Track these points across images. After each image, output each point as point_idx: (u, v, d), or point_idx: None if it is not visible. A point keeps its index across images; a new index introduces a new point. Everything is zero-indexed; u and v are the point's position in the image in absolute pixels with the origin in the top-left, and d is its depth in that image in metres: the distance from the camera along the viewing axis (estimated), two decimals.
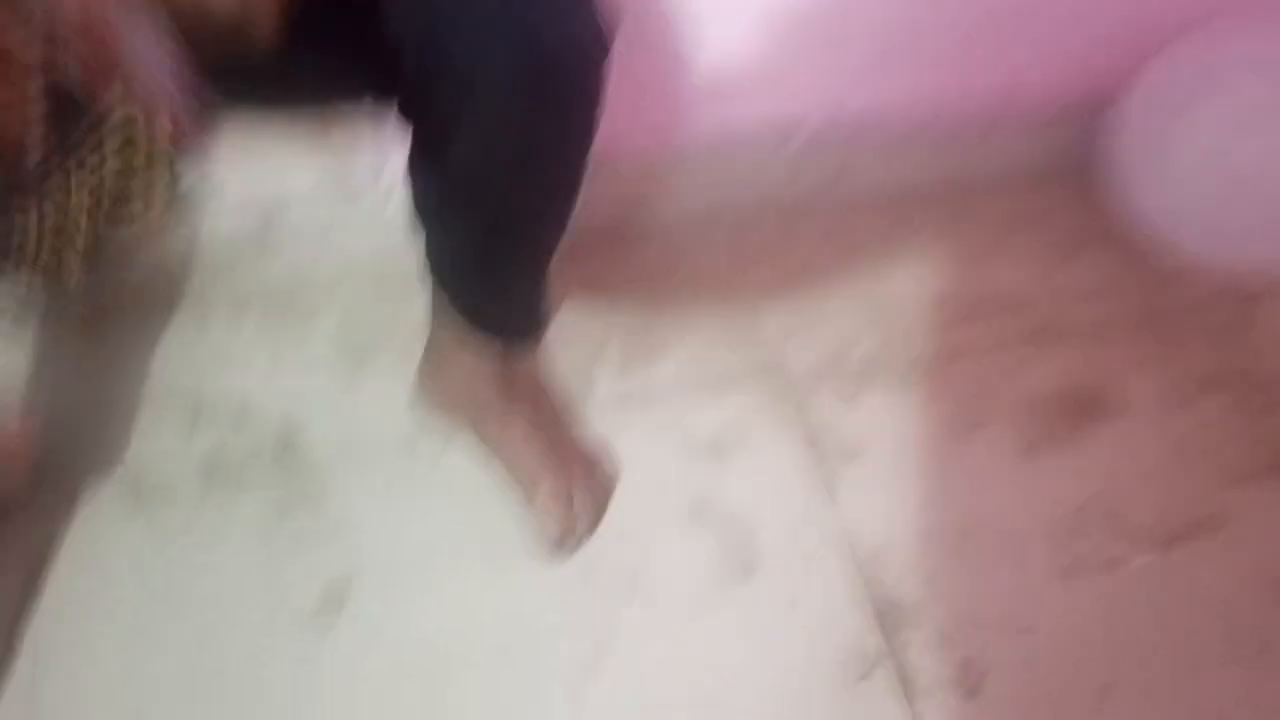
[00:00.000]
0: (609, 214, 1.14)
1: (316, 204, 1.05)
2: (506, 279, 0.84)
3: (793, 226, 1.15)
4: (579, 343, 1.05)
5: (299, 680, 0.83)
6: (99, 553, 0.89)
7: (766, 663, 0.85)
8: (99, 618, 0.86)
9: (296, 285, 1.07)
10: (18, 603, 0.85)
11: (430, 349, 0.94)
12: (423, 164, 0.77)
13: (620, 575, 0.89)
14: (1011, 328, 1.08)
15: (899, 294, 1.10)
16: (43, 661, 0.83)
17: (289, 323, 1.05)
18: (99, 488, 0.93)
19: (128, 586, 0.88)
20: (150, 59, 0.50)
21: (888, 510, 0.93)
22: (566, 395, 1.00)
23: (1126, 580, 0.92)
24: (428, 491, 0.93)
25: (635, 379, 1.02)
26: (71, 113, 0.51)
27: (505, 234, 0.78)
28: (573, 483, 0.91)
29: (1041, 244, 1.15)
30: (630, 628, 0.86)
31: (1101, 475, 0.98)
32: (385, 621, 0.86)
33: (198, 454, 0.96)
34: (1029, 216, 1.18)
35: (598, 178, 1.13)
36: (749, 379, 1.02)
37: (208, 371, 1.01)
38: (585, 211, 1.15)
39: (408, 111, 0.72)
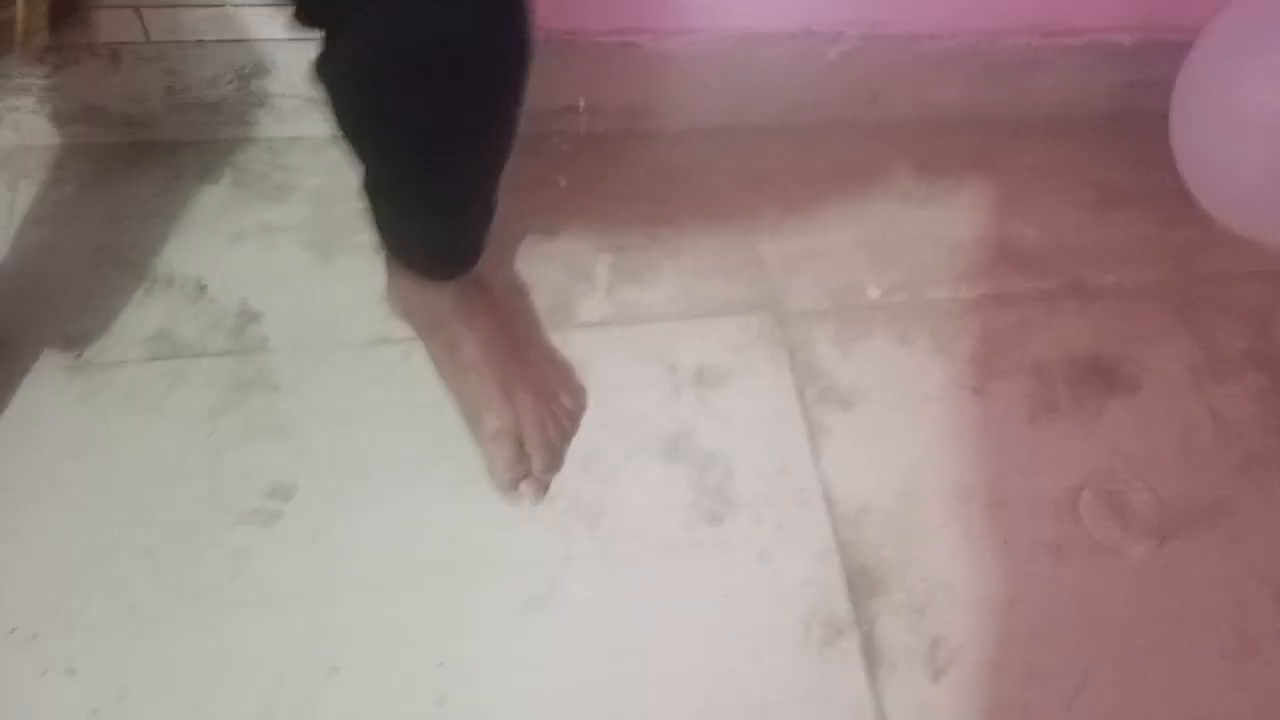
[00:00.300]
0: (613, 116, 1.06)
1: (300, 77, 0.96)
2: (423, 219, 0.75)
3: (810, 151, 1.07)
4: (564, 256, 0.97)
5: (231, 574, 0.79)
6: (34, 418, 0.84)
7: (726, 615, 0.80)
8: (28, 490, 0.81)
9: (272, 160, 0.99)
10: None
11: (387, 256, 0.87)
12: (326, 73, 0.64)
13: (583, 507, 0.84)
14: (1031, 285, 1.00)
15: (914, 237, 1.02)
16: None
17: (260, 199, 0.97)
18: (41, 350, 0.87)
19: (60, 455, 0.82)
20: None
21: (873, 469, 0.87)
22: (540, 315, 0.93)
23: (1119, 566, 0.86)
24: (388, 397, 0.87)
25: (622, 300, 0.95)
26: None
27: (419, 168, 0.68)
28: (524, 421, 0.83)
29: (1075, 196, 1.07)
30: (587, 563, 0.81)
31: (1106, 453, 0.92)
32: (328, 524, 0.81)
33: (148, 324, 0.89)
34: (1064, 164, 1.09)
35: (604, 73, 1.05)
36: (743, 312, 0.95)
37: (168, 239, 0.94)
38: (588, 110, 1.07)
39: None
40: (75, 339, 0.88)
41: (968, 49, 1.04)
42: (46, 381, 0.86)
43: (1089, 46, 1.06)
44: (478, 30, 0.58)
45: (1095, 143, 1.10)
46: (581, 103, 1.05)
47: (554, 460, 0.85)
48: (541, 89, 1.04)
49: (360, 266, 0.93)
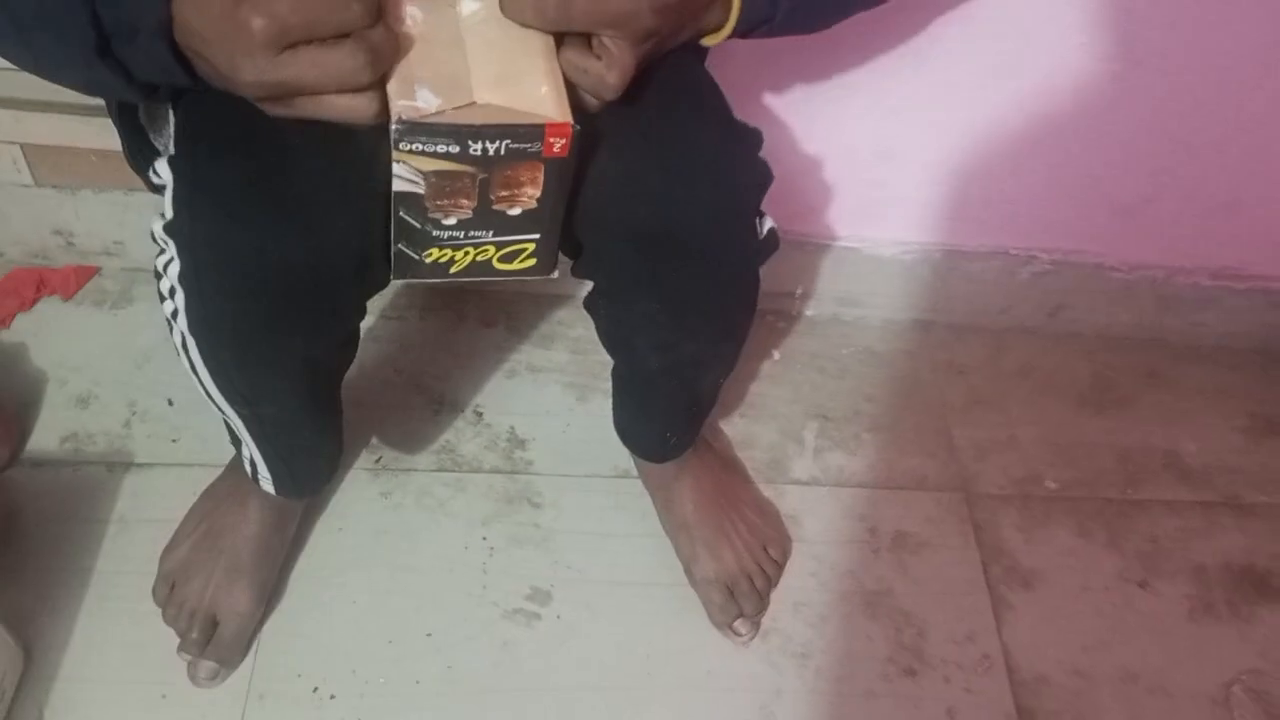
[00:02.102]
0: (824, 302, 1.22)
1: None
2: (657, 420, 0.92)
3: (999, 350, 1.22)
4: (777, 419, 1.13)
5: (496, 663, 0.93)
6: (343, 509, 1.01)
7: None
8: (336, 568, 0.97)
9: (539, 312, 1.18)
10: (287, 545, 0.96)
11: None
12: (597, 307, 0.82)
13: (793, 646, 0.96)
14: (1192, 495, 1.12)
15: (1091, 439, 1.15)
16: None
17: (529, 344, 1.15)
18: (350, 452, 1.04)
19: (363, 542, 0.98)
20: None
21: (1050, 645, 0.99)
22: (755, 469, 1.08)
23: None
24: (631, 524, 1.02)
25: (828, 463, 1.10)
26: None
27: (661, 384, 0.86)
28: (733, 572, 0.95)
29: (1234, 421, 1.19)
30: (796, 698, 0.93)
31: (1256, 655, 1.01)
32: (576, 632, 0.95)
33: (436, 440, 1.07)
34: (1227, 391, 1.22)
35: (822, 267, 1.22)
36: (935, 488, 1.09)
37: (453, 370, 1.12)
38: (803, 296, 1.24)
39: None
40: (377, 445, 1.05)
41: (1146, 280, 1.18)
42: (353, 479, 1.03)
43: (1253, 290, 1.19)
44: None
45: (1255, 375, 1.23)
46: (799, 290, 1.22)
47: (761, 605, 0.97)
48: (765, 275, 1.22)
49: (609, 409, 1.10)
